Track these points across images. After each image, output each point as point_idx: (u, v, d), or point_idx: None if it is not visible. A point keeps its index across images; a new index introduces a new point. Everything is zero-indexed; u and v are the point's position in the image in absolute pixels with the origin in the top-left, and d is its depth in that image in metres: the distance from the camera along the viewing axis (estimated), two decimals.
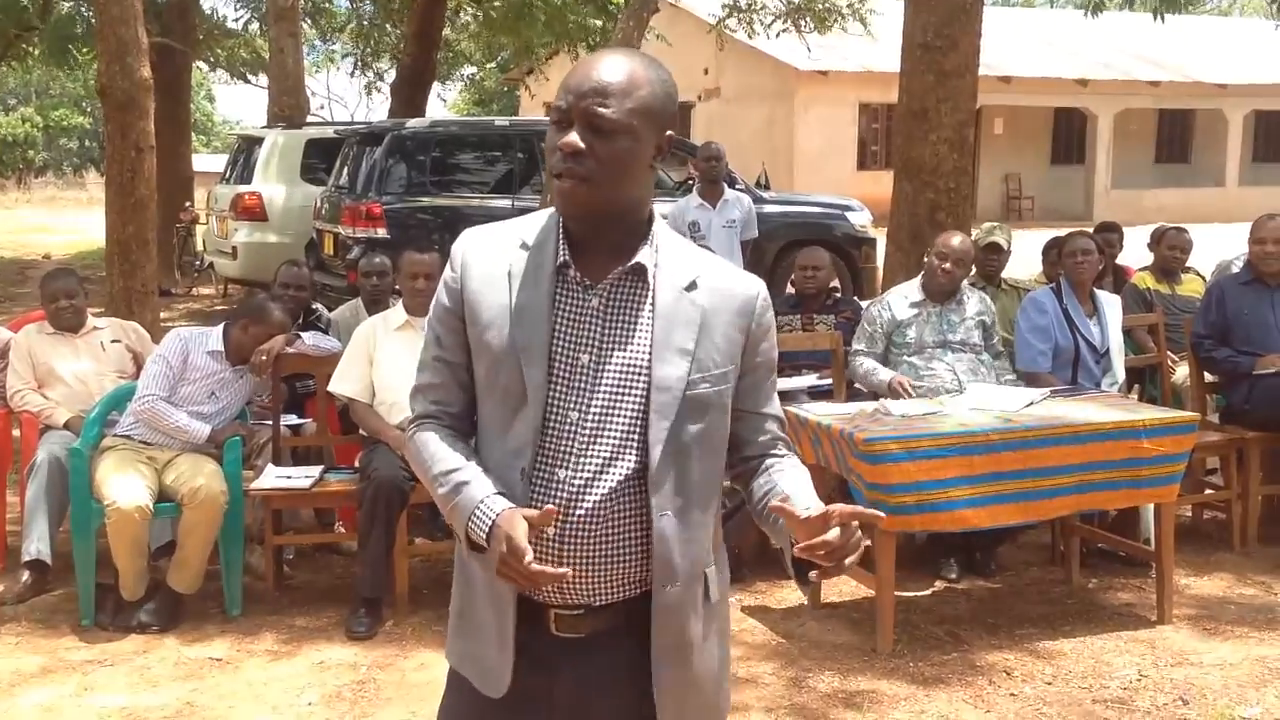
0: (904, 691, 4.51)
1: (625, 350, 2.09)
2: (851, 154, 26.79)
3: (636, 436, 2.09)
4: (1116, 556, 5.83)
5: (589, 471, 2.08)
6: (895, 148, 8.20)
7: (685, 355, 2.09)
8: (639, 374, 2.08)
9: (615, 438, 2.08)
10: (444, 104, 43.65)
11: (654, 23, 12.22)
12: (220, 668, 4.76)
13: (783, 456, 2.28)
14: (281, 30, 15.19)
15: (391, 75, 20.29)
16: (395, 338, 5.47)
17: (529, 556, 1.93)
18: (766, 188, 13.41)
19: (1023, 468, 4.82)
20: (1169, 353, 6.80)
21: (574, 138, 2.04)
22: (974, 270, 6.71)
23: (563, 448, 2.08)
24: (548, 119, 2.20)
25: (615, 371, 2.09)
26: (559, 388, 2.08)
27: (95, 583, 5.15)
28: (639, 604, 2.14)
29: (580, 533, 2.08)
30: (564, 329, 2.09)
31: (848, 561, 2.05)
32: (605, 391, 2.08)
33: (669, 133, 2.15)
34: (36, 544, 5.40)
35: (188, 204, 16.70)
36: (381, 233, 10.25)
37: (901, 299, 6.03)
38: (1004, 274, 6.89)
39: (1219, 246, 9.17)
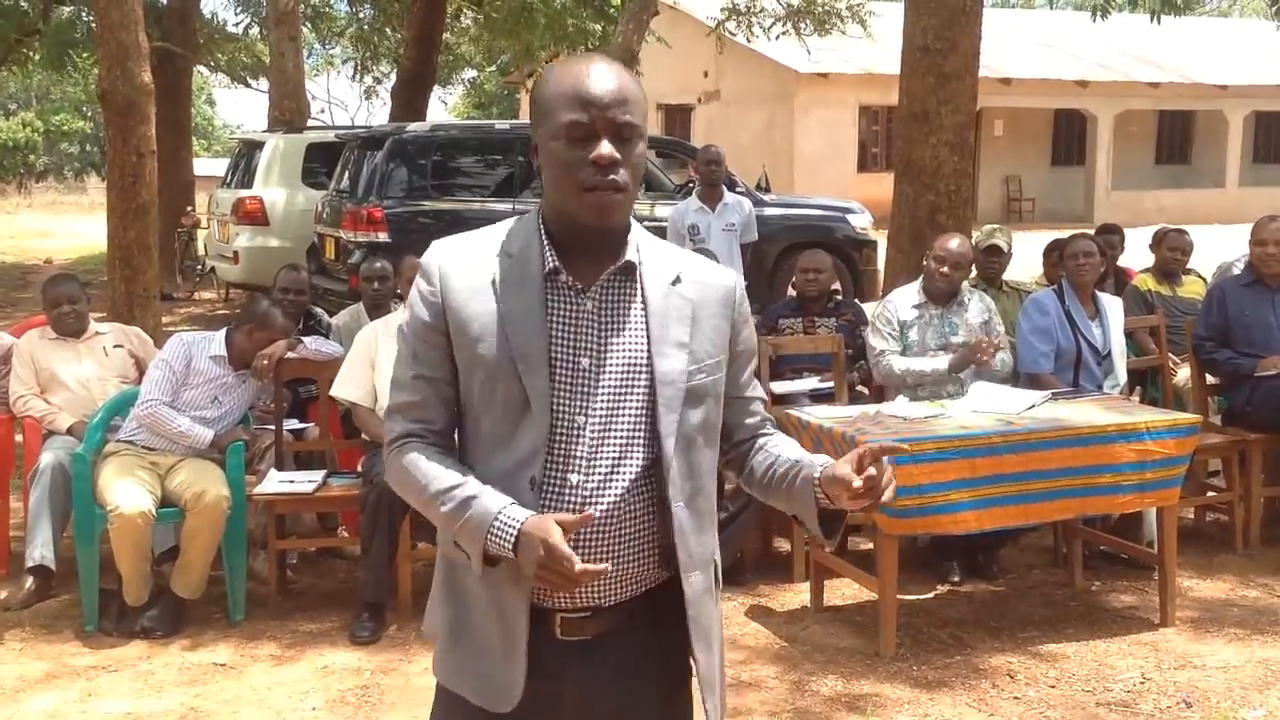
0: (907, 695, 4.52)
1: (624, 349, 2.12)
2: (852, 156, 26.79)
3: (644, 432, 2.12)
4: (1119, 559, 5.83)
5: (600, 473, 2.10)
6: (896, 150, 8.21)
7: (683, 348, 2.14)
8: (640, 371, 2.12)
9: (622, 437, 2.11)
10: (444, 107, 43.70)
11: (653, 25, 12.25)
12: (224, 673, 4.77)
13: (771, 435, 2.35)
14: (282, 34, 15.21)
15: (392, 79, 20.30)
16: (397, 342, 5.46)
17: (574, 559, 1.96)
18: (767, 190, 13.43)
19: (1025, 470, 4.82)
20: (1170, 355, 6.80)
21: (611, 149, 2.04)
22: (975, 272, 6.72)
23: (573, 452, 2.09)
24: None
25: (617, 371, 2.11)
26: (562, 393, 2.08)
27: (99, 588, 5.15)
28: (642, 601, 2.18)
29: (595, 535, 2.10)
30: (560, 334, 2.10)
31: (886, 496, 2.13)
32: (608, 392, 2.10)
33: None
34: (40, 550, 5.40)
35: (189, 208, 16.70)
36: (383, 237, 10.25)
37: (904, 301, 6.04)
38: (1005, 276, 6.89)
39: (1220, 248, 9.18)
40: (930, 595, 5.55)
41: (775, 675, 4.70)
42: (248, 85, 25.68)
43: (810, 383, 6.30)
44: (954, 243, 6.01)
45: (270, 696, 4.55)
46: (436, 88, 21.23)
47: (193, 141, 20.48)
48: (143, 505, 5.01)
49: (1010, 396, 5.37)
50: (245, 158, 14.41)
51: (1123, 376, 6.15)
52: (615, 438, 2.10)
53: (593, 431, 2.09)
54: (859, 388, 6.46)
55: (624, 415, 2.11)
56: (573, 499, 2.08)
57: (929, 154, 7.66)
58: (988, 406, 5.23)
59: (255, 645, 5.02)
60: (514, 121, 13.49)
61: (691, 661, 2.22)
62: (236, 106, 48.66)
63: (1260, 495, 6.22)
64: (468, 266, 2.12)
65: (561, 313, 2.10)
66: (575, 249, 2.12)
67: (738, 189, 10.50)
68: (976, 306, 6.02)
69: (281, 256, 10.64)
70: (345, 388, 5.53)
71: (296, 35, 15.74)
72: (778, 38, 18.56)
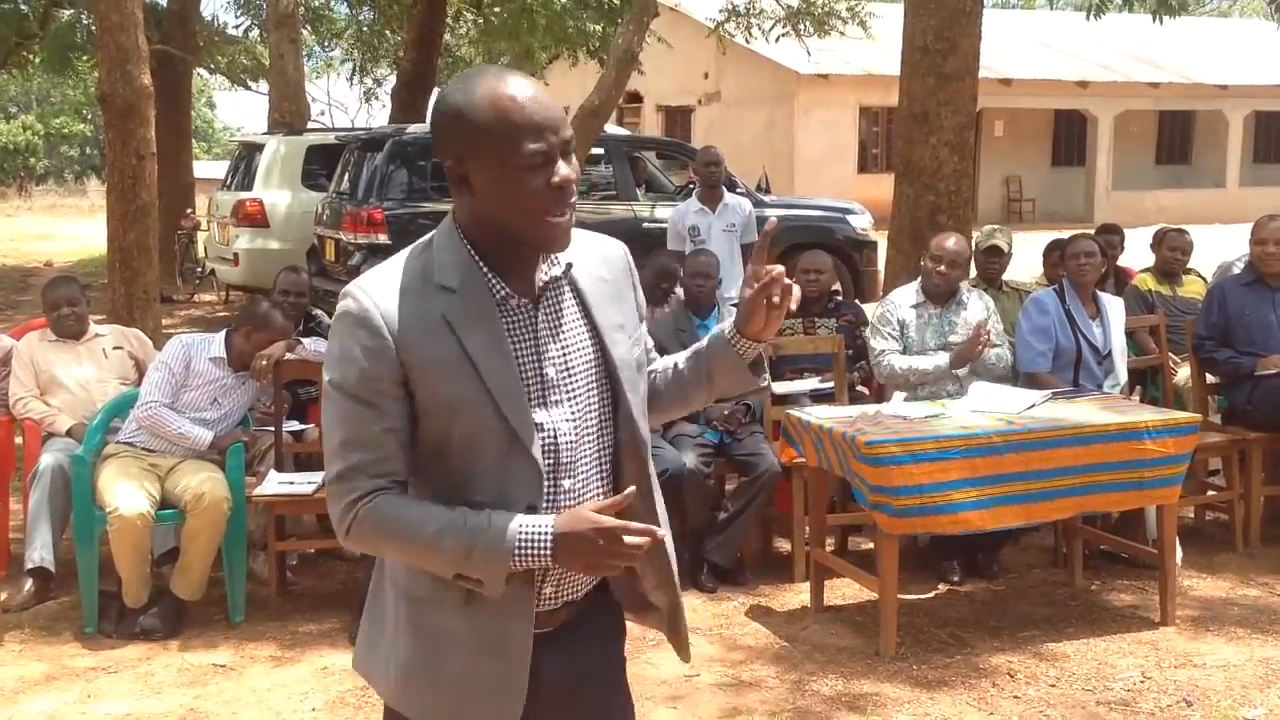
0: (907, 694, 4.51)
1: (578, 347, 2.16)
2: (852, 157, 26.80)
3: (609, 420, 2.19)
4: (1119, 558, 5.83)
5: (584, 471, 2.16)
6: (896, 151, 8.21)
7: (622, 329, 2.22)
8: (596, 363, 2.17)
9: (594, 430, 2.17)
10: None
11: (653, 26, 12.24)
12: (224, 674, 4.77)
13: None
14: (281, 36, 15.22)
15: (392, 81, 20.31)
16: None
17: (633, 526, 2.02)
18: (767, 191, 13.43)
19: (1025, 470, 4.82)
20: (1171, 354, 6.80)
21: (569, 169, 2.06)
22: (975, 272, 6.72)
23: (561, 461, 2.12)
24: None
25: (579, 370, 2.15)
26: (539, 412, 2.10)
27: (98, 590, 5.15)
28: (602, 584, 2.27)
29: None
30: (525, 355, 2.10)
31: (795, 295, 2.26)
32: (577, 392, 2.14)
33: None
34: (39, 551, 5.40)
35: (189, 211, 16.70)
36: (383, 238, 10.26)
37: (903, 301, 6.05)
38: (1005, 276, 6.89)
39: (1220, 247, 9.18)
40: (930, 595, 5.54)
41: (775, 675, 4.70)
42: (248, 88, 25.68)
43: (810, 383, 6.30)
44: (950, 242, 6.02)
45: (270, 698, 4.55)
46: (437, 90, 21.22)
47: (193, 144, 20.48)
48: (142, 507, 5.01)
49: (1010, 396, 5.36)
50: (245, 160, 14.42)
51: (1123, 376, 6.15)
52: (589, 433, 2.16)
53: (572, 434, 2.13)
54: (859, 388, 6.45)
55: (591, 410, 2.16)
56: (567, 502, 2.12)
57: (929, 154, 7.66)
58: (988, 406, 5.23)
59: (255, 646, 5.02)
60: None
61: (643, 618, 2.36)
62: (237, 109, 48.60)
63: (1260, 494, 6.21)
64: (411, 309, 2.04)
65: (520, 334, 2.11)
66: (508, 263, 2.10)
67: (738, 190, 10.51)
68: (976, 305, 6.02)
69: (281, 258, 10.63)
70: None
71: (296, 38, 15.76)
72: (778, 39, 18.56)
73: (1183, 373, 6.81)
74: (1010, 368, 6.02)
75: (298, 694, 4.57)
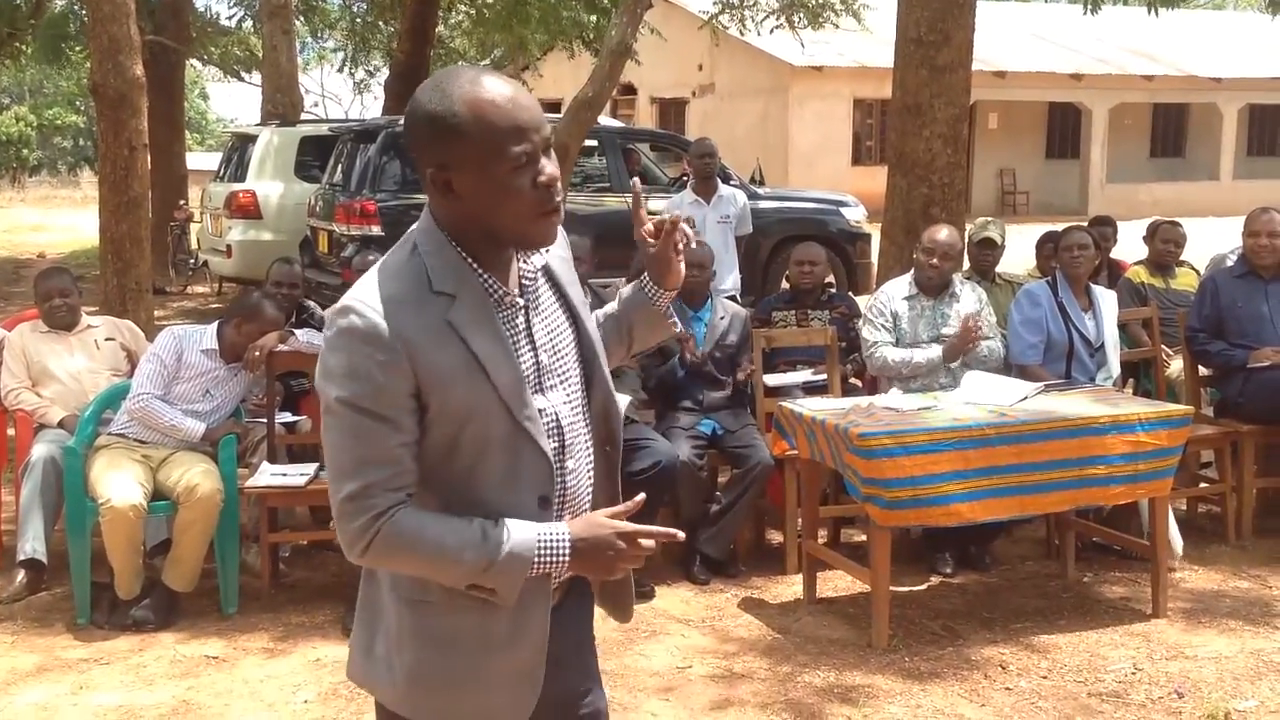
0: (899, 686, 4.52)
1: (561, 330, 2.21)
2: (846, 149, 26.81)
3: (590, 394, 2.25)
4: (1111, 550, 5.84)
5: (581, 448, 2.21)
6: (889, 143, 8.20)
7: (584, 304, 2.29)
8: (574, 342, 2.23)
9: (579, 407, 2.22)
10: None
11: (647, 18, 12.22)
12: (216, 665, 4.76)
13: None
14: (275, 28, 15.17)
15: (385, 72, 20.28)
16: None
17: (652, 529, 2.11)
18: (761, 183, 13.43)
19: (1017, 462, 4.83)
20: (1163, 346, 6.81)
21: (556, 169, 2.08)
22: (967, 264, 6.72)
23: (565, 442, 2.17)
24: None
25: (565, 351, 2.20)
26: (538, 400, 2.13)
27: (91, 581, 5.14)
28: None
29: (587, 506, 2.24)
30: (522, 349, 2.12)
31: (688, 239, 2.38)
32: (567, 373, 2.20)
33: None
34: (31, 543, 5.40)
35: (182, 202, 16.66)
36: (376, 230, 10.23)
37: (896, 293, 6.05)
38: (998, 268, 6.89)
39: (1213, 240, 9.20)
40: (923, 587, 5.55)
41: (767, 667, 4.70)
42: (241, 79, 25.67)
43: (803, 375, 6.30)
44: (943, 234, 6.01)
45: (262, 689, 4.55)
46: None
47: (186, 135, 20.44)
48: (134, 498, 5.00)
49: (1003, 388, 5.37)
50: (238, 151, 14.39)
51: (1116, 368, 6.15)
52: (579, 410, 2.21)
53: (570, 414, 2.19)
54: (852, 380, 6.45)
55: (579, 387, 2.22)
56: (573, 484, 2.18)
57: (922, 147, 7.66)
58: (980, 398, 5.23)
59: (247, 638, 5.01)
60: None
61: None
62: (230, 100, 48.50)
63: (1252, 486, 6.22)
64: (415, 320, 2.02)
65: (515, 329, 2.13)
66: (494, 262, 2.12)
67: (732, 182, 10.50)
68: (968, 298, 6.02)
69: (274, 250, 10.61)
70: None
71: (289, 29, 15.70)
72: (772, 31, 18.55)
73: (1175, 365, 6.82)
74: (1003, 360, 6.02)
75: (290, 685, 4.57)
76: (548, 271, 2.22)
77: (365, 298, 2.02)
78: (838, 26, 18.71)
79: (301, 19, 21.24)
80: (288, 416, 6.06)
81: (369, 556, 2.05)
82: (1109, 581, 5.61)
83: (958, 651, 4.83)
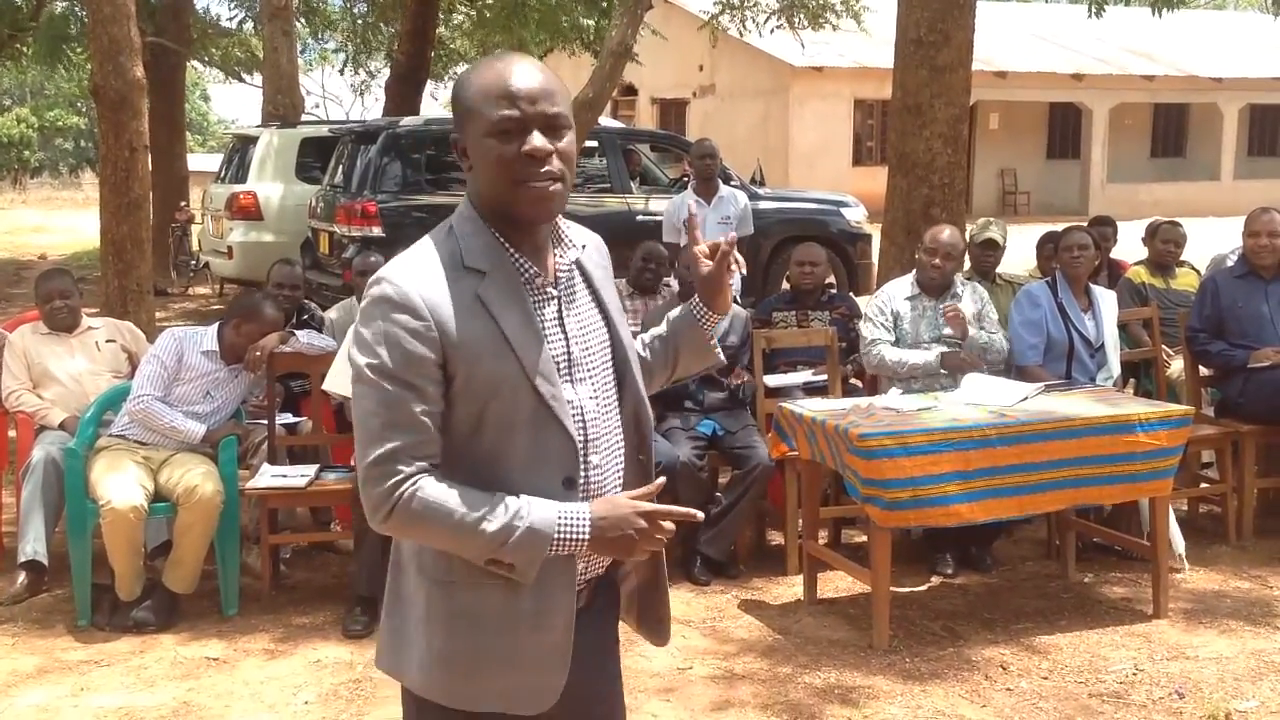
0: (900, 687, 4.52)
1: (594, 328, 2.24)
2: (847, 150, 26.80)
3: (619, 397, 2.27)
4: (1112, 551, 5.84)
5: (604, 446, 2.21)
6: (889, 143, 8.19)
7: (621, 310, 2.32)
8: (609, 343, 2.26)
9: (610, 408, 2.24)
10: (435, 101, 43.56)
11: (647, 19, 12.22)
12: (217, 667, 4.76)
13: None
14: (275, 29, 15.16)
15: (386, 74, 20.28)
16: None
17: (671, 509, 2.13)
18: (762, 184, 13.41)
19: (1018, 462, 4.82)
20: (1164, 347, 6.81)
21: (544, 141, 2.09)
22: (969, 264, 6.71)
23: (590, 436, 2.18)
24: None
25: (596, 350, 2.23)
26: (568, 389, 2.16)
27: (91, 583, 5.14)
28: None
29: None
30: (552, 335, 2.16)
31: (740, 264, 2.42)
32: (595, 371, 2.22)
33: None
34: (32, 545, 5.40)
35: (183, 203, 16.66)
36: (376, 231, 10.23)
37: (897, 293, 6.05)
38: (999, 269, 6.89)
39: (1214, 240, 9.19)
40: (923, 587, 5.55)
41: (768, 667, 4.70)
42: (242, 80, 25.65)
43: (804, 376, 6.30)
44: (945, 234, 6.01)
45: (263, 690, 4.55)
46: (430, 83, 21.20)
47: (187, 137, 20.45)
48: (134, 500, 5.01)
49: (1003, 388, 5.37)
50: (239, 153, 14.39)
51: (1116, 369, 6.15)
52: (609, 409, 2.23)
53: (596, 411, 2.20)
54: (852, 381, 6.45)
55: (608, 388, 2.23)
56: (597, 479, 2.19)
57: (922, 147, 7.65)
58: (981, 399, 5.23)
59: (248, 639, 5.01)
60: None
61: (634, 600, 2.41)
62: (231, 101, 48.53)
63: (1253, 487, 6.23)
64: (447, 292, 2.08)
65: (546, 314, 2.17)
66: (528, 246, 2.16)
67: (732, 182, 10.50)
68: (970, 298, 6.02)
69: (275, 251, 10.60)
70: (338, 382, 5.52)
71: (290, 30, 15.69)
72: (772, 32, 18.54)
73: (1176, 365, 6.82)
74: (1008, 355, 6.02)
75: (290, 687, 4.57)
76: (583, 271, 2.26)
77: (398, 269, 2.11)
78: (838, 27, 18.72)
79: (302, 20, 21.24)
80: (288, 418, 6.07)
81: (391, 523, 2.08)
82: (1110, 582, 5.61)
83: (958, 652, 4.83)
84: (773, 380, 6.21)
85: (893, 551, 4.91)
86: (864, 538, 5.57)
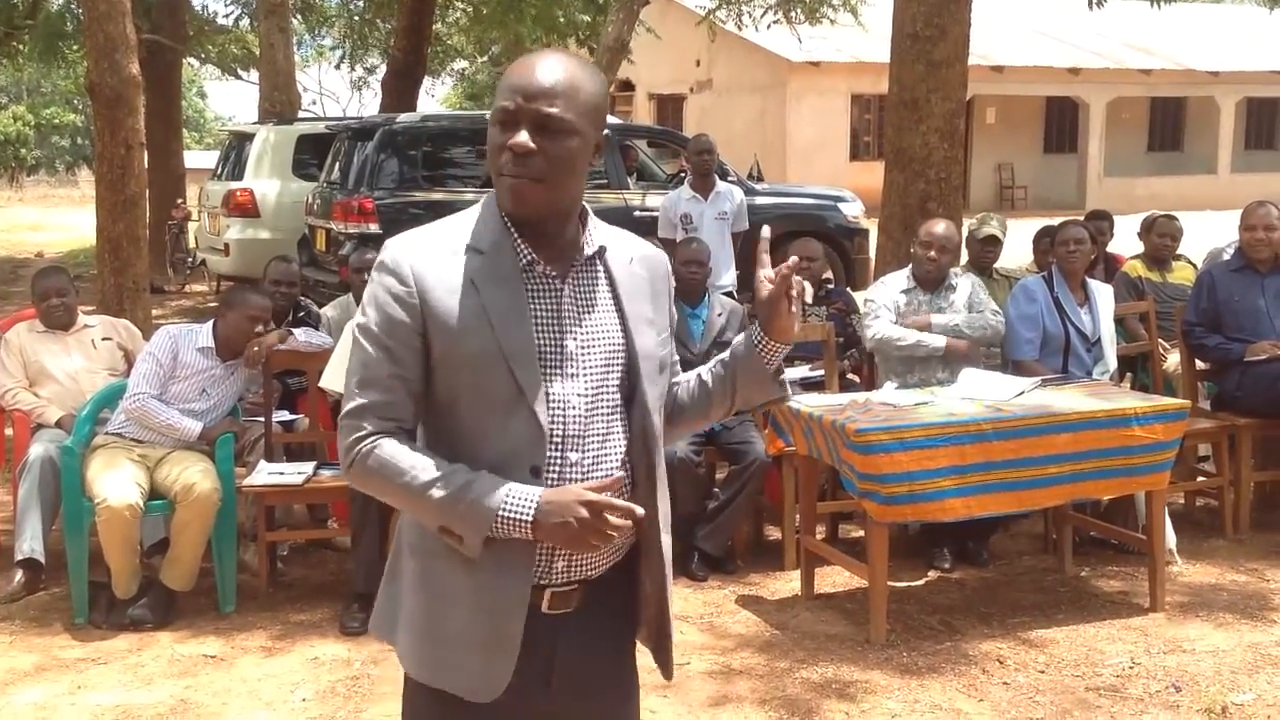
0: (897, 681, 4.52)
1: (602, 329, 2.20)
2: (844, 145, 26.79)
3: (623, 406, 2.22)
4: (1109, 544, 5.85)
5: (593, 449, 2.17)
6: (886, 138, 8.19)
7: (651, 323, 2.26)
8: (620, 349, 2.21)
9: (607, 411, 2.19)
10: (432, 99, 43.59)
11: (644, 15, 12.22)
12: (214, 664, 4.76)
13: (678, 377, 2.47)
14: (272, 26, 15.16)
15: (382, 70, 20.28)
16: None
17: (619, 505, 2.06)
18: (760, 179, 13.43)
19: (1014, 457, 4.83)
20: (1160, 340, 6.81)
21: (524, 138, 2.09)
22: (967, 259, 6.71)
23: (569, 432, 2.15)
24: None
25: (598, 351, 2.19)
26: (553, 379, 2.14)
27: (88, 581, 5.14)
28: (619, 566, 2.27)
29: None
30: (544, 323, 2.15)
31: (803, 289, 2.30)
32: (593, 371, 2.18)
33: (605, 131, 2.24)
34: (29, 543, 5.40)
35: (179, 201, 16.66)
36: (373, 228, 10.21)
37: (894, 286, 6.05)
38: (995, 264, 6.89)
39: (1211, 234, 9.18)
40: (921, 582, 5.55)
41: (765, 663, 4.70)
42: (238, 77, 25.67)
43: (800, 371, 6.30)
44: (940, 228, 6.01)
45: (260, 688, 4.55)
46: (427, 78, 21.21)
47: (183, 134, 20.43)
48: (131, 498, 5.00)
49: (999, 383, 5.37)
50: (236, 150, 14.38)
51: (1113, 363, 6.15)
52: (601, 412, 2.18)
53: (583, 410, 2.16)
54: (849, 376, 6.46)
55: (608, 390, 2.20)
56: (573, 476, 2.15)
57: (919, 141, 7.66)
58: (977, 393, 5.24)
59: (245, 637, 5.02)
60: None
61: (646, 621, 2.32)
62: (227, 98, 48.55)
63: (1250, 480, 6.23)
64: (440, 264, 2.13)
65: (542, 302, 2.16)
66: (541, 238, 2.17)
67: (730, 178, 10.49)
68: (964, 288, 6.02)
69: (272, 248, 10.61)
70: (335, 379, 5.51)
71: (287, 26, 15.70)
72: (769, 27, 18.55)
73: (1172, 359, 6.82)
74: (1003, 351, 6.02)
75: (288, 684, 4.57)
76: (608, 272, 2.23)
77: (402, 239, 2.18)
78: (835, 22, 18.72)
79: (299, 17, 21.25)
80: (285, 415, 6.07)
81: (352, 474, 2.16)
82: (1106, 576, 5.61)
83: (955, 646, 4.83)
84: None
85: (890, 546, 4.91)
86: (861, 533, 5.58)
